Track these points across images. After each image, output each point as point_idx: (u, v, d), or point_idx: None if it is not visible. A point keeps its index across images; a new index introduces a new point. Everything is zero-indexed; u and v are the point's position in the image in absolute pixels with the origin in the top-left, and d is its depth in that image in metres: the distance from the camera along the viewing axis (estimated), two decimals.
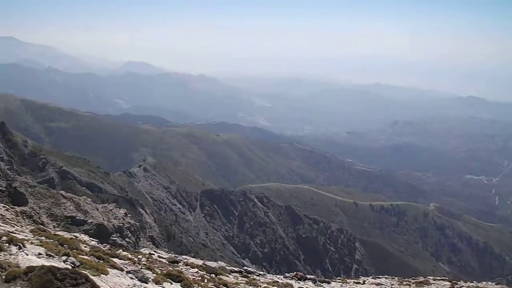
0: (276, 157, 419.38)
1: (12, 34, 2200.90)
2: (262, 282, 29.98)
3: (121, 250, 32.99)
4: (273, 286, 29.04)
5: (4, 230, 26.35)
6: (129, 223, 77.88)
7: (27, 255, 18.76)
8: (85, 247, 27.53)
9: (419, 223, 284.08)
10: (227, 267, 32.43)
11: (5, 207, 50.84)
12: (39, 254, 19.73)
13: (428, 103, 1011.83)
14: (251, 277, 31.98)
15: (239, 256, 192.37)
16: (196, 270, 28.71)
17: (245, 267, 36.14)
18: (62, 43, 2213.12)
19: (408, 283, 37.81)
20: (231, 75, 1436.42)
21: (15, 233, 25.48)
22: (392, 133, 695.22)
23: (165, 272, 24.10)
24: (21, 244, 19.95)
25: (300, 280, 34.68)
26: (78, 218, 69.66)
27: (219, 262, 35.97)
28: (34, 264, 16.69)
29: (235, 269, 33.11)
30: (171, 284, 21.96)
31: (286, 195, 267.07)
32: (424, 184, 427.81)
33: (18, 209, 54.22)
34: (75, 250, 23.34)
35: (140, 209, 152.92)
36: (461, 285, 36.61)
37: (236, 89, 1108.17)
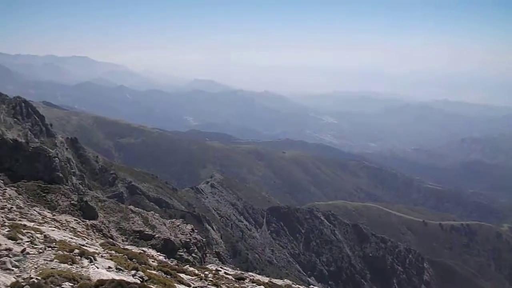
0: (343, 175, 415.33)
1: (87, 54, 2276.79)
2: None
3: (188, 265, 33.28)
4: None
5: (76, 243, 26.99)
6: (196, 238, 78.38)
7: (97, 268, 19.16)
8: (153, 261, 27.91)
9: (491, 244, 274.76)
10: (293, 285, 32.25)
11: (76, 220, 52.10)
12: (109, 267, 20.11)
13: (498, 119, 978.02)
14: None
15: (305, 274, 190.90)
16: (262, 287, 28.67)
17: (311, 286, 35.90)
18: (132, 62, 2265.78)
19: None
20: (297, 93, 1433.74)
21: (86, 246, 26.06)
22: (460, 150, 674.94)
23: None
24: (92, 257, 20.40)
25: None
26: (146, 232, 70.68)
27: (285, 279, 35.78)
28: (104, 278, 17.03)
29: (301, 287, 32.89)
30: None
31: (353, 213, 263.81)
32: (496, 203, 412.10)
33: (88, 222, 55.45)
34: (143, 265, 23.69)
35: (207, 225, 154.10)
36: None
37: (302, 106, 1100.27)
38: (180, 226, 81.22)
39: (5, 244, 19.64)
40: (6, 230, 23.58)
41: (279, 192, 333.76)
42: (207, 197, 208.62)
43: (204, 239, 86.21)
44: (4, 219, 31.95)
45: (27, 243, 21.60)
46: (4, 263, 16.32)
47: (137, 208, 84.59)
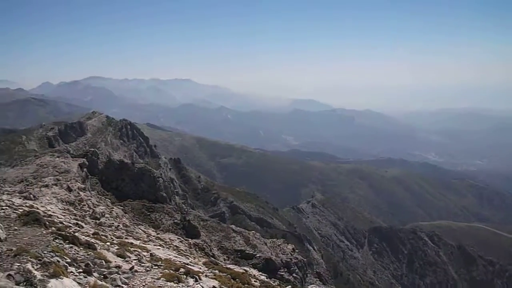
0: (447, 194, 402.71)
1: (189, 77, 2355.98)
2: None
3: (289, 286, 33.29)
4: None
5: (180, 261, 27.62)
6: (297, 258, 78.31)
7: (202, 287, 19.56)
8: (255, 281, 28.13)
9: None
10: None
11: (179, 239, 53.28)
12: (214, 287, 20.47)
13: None
14: None
15: None
16: None
17: None
18: (233, 84, 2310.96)
19: None
20: (400, 111, 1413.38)
21: (190, 265, 26.62)
22: None
23: None
24: (197, 277, 20.82)
25: None
26: (247, 252, 71.28)
27: None
28: None
29: None
30: None
31: (458, 234, 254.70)
32: None
33: (191, 241, 56.57)
34: (246, 285, 23.95)
35: (308, 245, 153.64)
36: None
37: (405, 124, 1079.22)
38: (281, 246, 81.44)
39: (115, 261, 20.41)
40: (115, 248, 24.46)
41: (381, 212, 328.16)
42: (308, 216, 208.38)
43: (305, 259, 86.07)
44: (112, 236, 33.13)
45: (135, 261, 22.33)
46: (115, 279, 16.95)
47: (238, 228, 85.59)
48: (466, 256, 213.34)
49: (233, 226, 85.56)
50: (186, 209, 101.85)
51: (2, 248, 16.03)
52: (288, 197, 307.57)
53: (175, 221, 71.50)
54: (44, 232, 21.07)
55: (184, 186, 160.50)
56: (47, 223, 23.65)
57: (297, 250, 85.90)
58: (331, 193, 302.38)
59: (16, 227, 21.27)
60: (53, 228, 22.89)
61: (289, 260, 75.03)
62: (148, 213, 71.49)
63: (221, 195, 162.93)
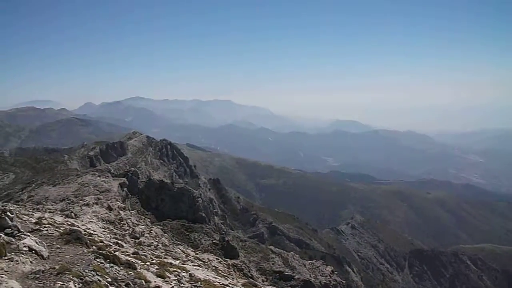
0: (491, 216, 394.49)
1: (230, 98, 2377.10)
2: None
3: None
4: None
5: (219, 282, 27.69)
6: (336, 280, 77.73)
7: None
8: None
9: None
10: None
11: (218, 259, 53.36)
12: None
13: None
14: None
15: None
16: None
17: None
18: (272, 105, 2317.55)
19: None
20: (442, 132, 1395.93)
21: (229, 286, 26.67)
22: None
23: None
24: None
25: None
26: (286, 273, 70.98)
27: None
28: None
29: None
30: None
31: (502, 258, 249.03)
32: None
33: (230, 261, 56.59)
34: None
35: (347, 267, 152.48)
36: None
37: (447, 145, 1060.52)
38: (320, 268, 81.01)
39: (155, 281, 20.55)
40: (155, 268, 24.63)
41: (422, 234, 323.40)
42: (347, 238, 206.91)
43: (344, 281, 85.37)
44: (151, 256, 33.39)
45: (174, 282, 22.43)
46: None
47: (277, 249, 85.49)
48: (510, 281, 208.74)
49: (271, 247, 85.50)
50: (225, 230, 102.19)
51: (45, 266, 16.33)
52: (327, 218, 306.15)
53: (214, 241, 71.75)
54: (85, 251, 21.37)
55: (223, 206, 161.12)
56: (88, 241, 24.00)
57: (336, 272, 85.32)
58: (371, 215, 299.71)
59: (58, 246, 21.62)
60: (94, 247, 23.20)
61: (328, 282, 74.52)
62: (187, 233, 71.97)
63: (260, 216, 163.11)
